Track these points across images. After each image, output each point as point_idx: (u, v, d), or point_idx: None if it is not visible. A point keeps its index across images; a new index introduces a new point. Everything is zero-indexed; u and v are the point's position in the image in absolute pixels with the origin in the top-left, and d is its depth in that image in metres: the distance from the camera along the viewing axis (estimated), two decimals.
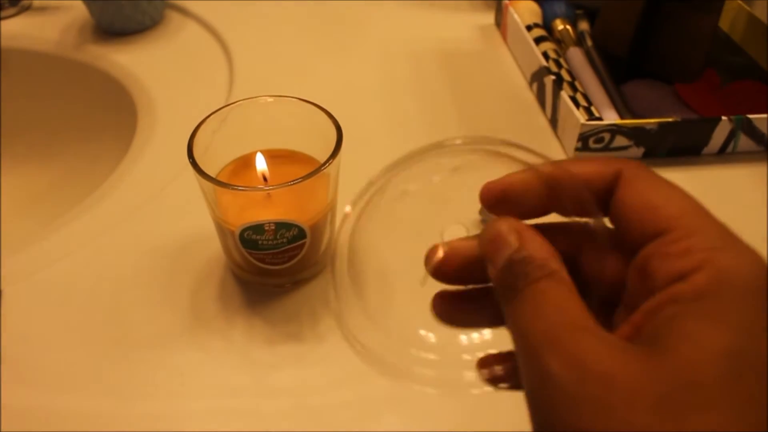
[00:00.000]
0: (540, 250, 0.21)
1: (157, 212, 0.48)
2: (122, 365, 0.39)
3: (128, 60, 0.64)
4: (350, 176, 0.38)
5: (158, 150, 0.54)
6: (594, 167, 0.22)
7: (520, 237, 0.21)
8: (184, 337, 0.40)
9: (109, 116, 0.63)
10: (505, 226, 0.22)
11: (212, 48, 0.66)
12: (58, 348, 0.39)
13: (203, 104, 0.59)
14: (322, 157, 0.38)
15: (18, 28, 0.68)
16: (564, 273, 0.20)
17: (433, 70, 0.63)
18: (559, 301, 0.19)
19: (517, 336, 0.20)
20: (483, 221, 0.26)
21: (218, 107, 0.40)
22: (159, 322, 0.41)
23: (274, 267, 0.40)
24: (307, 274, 0.42)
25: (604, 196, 0.22)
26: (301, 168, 0.38)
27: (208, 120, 0.39)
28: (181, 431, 0.35)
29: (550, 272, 0.20)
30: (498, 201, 0.23)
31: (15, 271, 0.43)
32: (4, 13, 0.70)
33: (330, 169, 0.37)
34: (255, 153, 0.41)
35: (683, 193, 0.21)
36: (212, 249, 0.44)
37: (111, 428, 0.36)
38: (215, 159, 0.41)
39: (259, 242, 0.38)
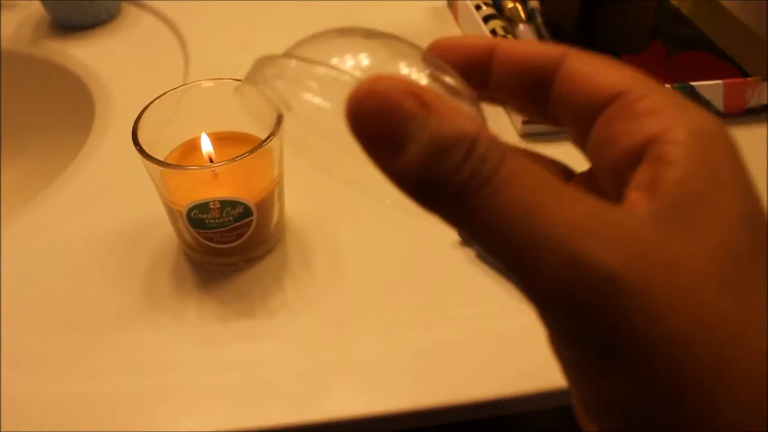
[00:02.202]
0: (470, 123, 0.16)
1: (113, 199, 0.49)
2: (79, 346, 0.39)
3: (85, 54, 0.64)
4: (295, 155, 0.39)
5: (114, 141, 0.54)
6: (540, 47, 0.21)
7: (437, 111, 0.16)
8: (138, 318, 0.41)
9: (68, 111, 0.64)
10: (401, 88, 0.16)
11: (168, 40, 0.67)
12: (15, 332, 0.40)
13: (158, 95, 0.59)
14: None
15: None
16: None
17: None
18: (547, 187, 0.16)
19: (505, 244, 0.16)
20: None
21: (158, 95, 0.40)
22: (114, 305, 0.41)
23: (224, 246, 0.41)
24: (258, 251, 0.43)
25: (549, 77, 0.20)
26: (247, 148, 0.39)
27: (151, 106, 0.40)
28: (137, 408, 0.36)
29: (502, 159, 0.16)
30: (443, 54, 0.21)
31: None
32: None
33: (273, 145, 0.38)
34: (200, 136, 0.42)
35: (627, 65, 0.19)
36: (165, 233, 0.45)
37: (68, 407, 0.36)
38: (165, 148, 0.41)
39: (206, 221, 0.39)
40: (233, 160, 0.36)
